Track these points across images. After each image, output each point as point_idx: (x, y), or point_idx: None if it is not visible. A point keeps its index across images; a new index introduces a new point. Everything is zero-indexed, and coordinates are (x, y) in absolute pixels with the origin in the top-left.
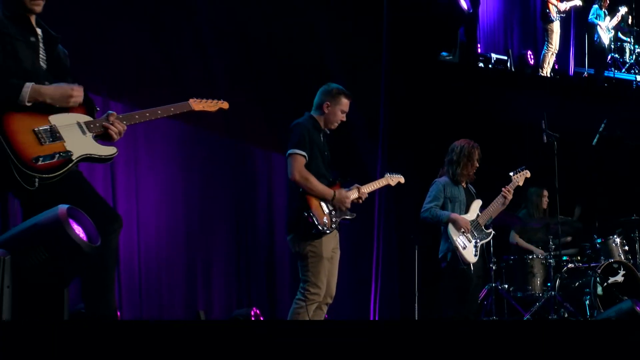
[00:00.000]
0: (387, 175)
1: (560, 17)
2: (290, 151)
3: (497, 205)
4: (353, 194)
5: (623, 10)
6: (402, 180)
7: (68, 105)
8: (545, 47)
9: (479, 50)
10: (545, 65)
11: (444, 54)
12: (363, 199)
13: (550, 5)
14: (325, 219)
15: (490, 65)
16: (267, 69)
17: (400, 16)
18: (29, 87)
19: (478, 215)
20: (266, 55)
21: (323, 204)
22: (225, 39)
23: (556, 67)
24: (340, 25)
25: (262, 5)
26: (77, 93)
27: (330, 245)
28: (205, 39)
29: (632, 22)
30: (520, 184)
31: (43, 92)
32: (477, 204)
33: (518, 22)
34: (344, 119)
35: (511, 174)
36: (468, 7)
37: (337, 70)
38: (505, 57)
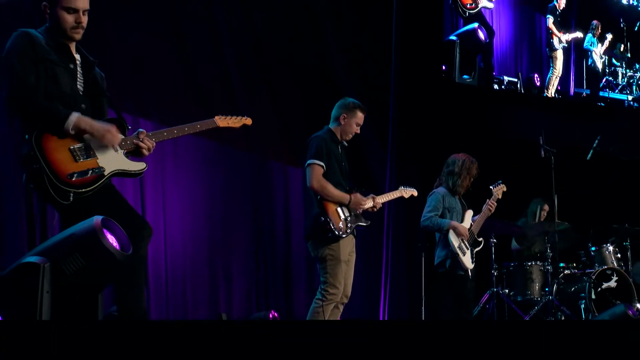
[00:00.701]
0: (402, 188)
1: (563, 46)
2: (309, 161)
3: (483, 217)
4: (368, 203)
5: (609, 37)
6: (415, 193)
7: (102, 142)
8: (550, 72)
9: (494, 73)
10: (550, 87)
11: (465, 77)
12: (377, 208)
13: (554, 36)
14: (341, 224)
15: (503, 86)
16: (283, 87)
17: (408, 36)
18: (75, 117)
19: (472, 224)
20: (282, 75)
21: (339, 210)
22: (245, 59)
23: (559, 88)
24: (353, 43)
25: (280, 27)
26: (115, 138)
27: (347, 249)
28: (227, 60)
29: (623, 50)
30: (499, 196)
31: (84, 126)
32: (469, 213)
33: (526, 50)
34: (358, 132)
35: (491, 187)
36: (485, 38)
37: (349, 87)
38: (516, 80)
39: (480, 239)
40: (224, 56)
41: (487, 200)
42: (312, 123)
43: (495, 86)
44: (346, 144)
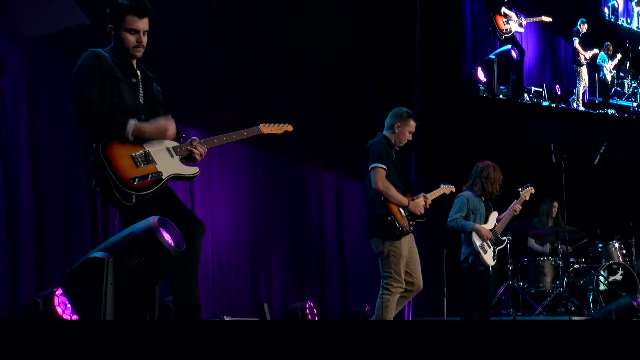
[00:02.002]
0: (442, 185)
1: (588, 61)
2: (373, 165)
3: (508, 217)
4: (421, 201)
5: (619, 55)
6: (454, 189)
7: (164, 138)
8: (578, 84)
9: (524, 85)
10: (579, 97)
11: (502, 87)
12: (428, 205)
13: (580, 55)
14: (404, 223)
15: (530, 95)
16: (317, 100)
17: (429, 55)
18: (132, 124)
19: (495, 225)
20: (317, 88)
21: (401, 210)
22: (283, 73)
23: (586, 99)
24: (380, 60)
25: (315, 45)
26: (171, 128)
27: (407, 245)
28: (266, 73)
29: (629, 66)
30: (527, 198)
31: (143, 129)
32: (494, 215)
33: (549, 66)
34: (410, 139)
35: (519, 189)
36: (517, 57)
37: (376, 100)
38: (541, 90)
39: (504, 238)
40: (264, 70)
41: (514, 201)
42: (343, 132)
43: (526, 95)
44: (398, 149)
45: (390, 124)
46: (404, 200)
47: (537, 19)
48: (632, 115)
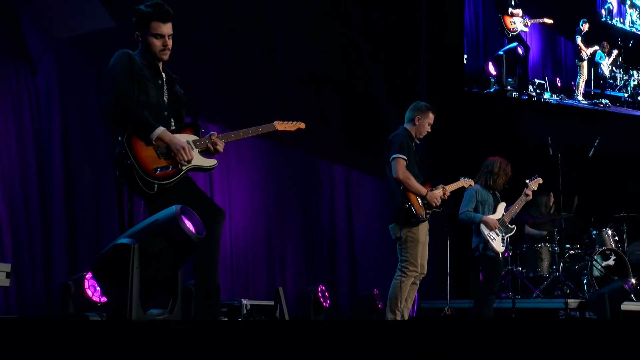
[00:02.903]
0: (462, 179)
1: (589, 57)
2: (394, 155)
3: (518, 207)
4: (439, 192)
5: (615, 52)
6: (473, 183)
7: (175, 156)
8: (579, 77)
9: (529, 78)
10: (580, 89)
11: (510, 79)
12: (446, 196)
13: (582, 51)
14: (421, 211)
15: (534, 86)
16: (329, 99)
17: (434, 59)
18: (159, 131)
19: (503, 215)
20: (328, 86)
21: (419, 199)
22: (298, 73)
23: (592, 92)
24: (387, 63)
25: (327, 48)
26: (187, 156)
27: (424, 232)
28: (282, 73)
29: (620, 61)
30: (535, 188)
31: (165, 139)
32: (501, 205)
33: (550, 61)
34: (429, 130)
35: (527, 180)
36: (522, 53)
37: (384, 98)
38: (543, 82)
39: (513, 226)
40: (279, 69)
41: (524, 191)
42: (352, 127)
43: (530, 86)
44: (418, 142)
45: (411, 117)
46: (422, 189)
47: (540, 20)
48: (624, 105)
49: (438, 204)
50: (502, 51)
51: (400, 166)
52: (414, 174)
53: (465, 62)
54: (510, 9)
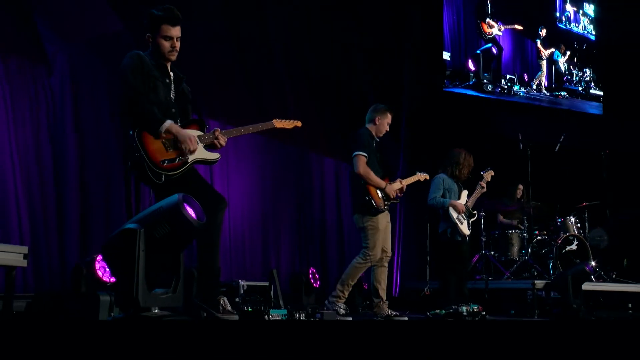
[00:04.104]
0: (418, 173)
1: (547, 58)
2: (356, 152)
3: (477, 194)
4: (397, 185)
5: (568, 53)
6: (428, 177)
7: (181, 148)
8: (539, 73)
9: (502, 72)
10: (536, 81)
11: (486, 74)
12: (404, 189)
13: (541, 52)
14: (380, 202)
15: (505, 80)
16: (322, 95)
17: (416, 66)
18: (167, 123)
19: (467, 201)
20: (321, 85)
21: (379, 191)
22: (295, 74)
23: (545, 83)
24: (375, 69)
25: (320, 46)
26: (192, 146)
27: (384, 221)
28: (281, 73)
29: (576, 60)
30: (488, 179)
31: (174, 132)
32: (464, 193)
33: (519, 59)
34: (388, 129)
35: (482, 172)
36: (496, 52)
37: (371, 99)
38: (513, 77)
39: (475, 212)
40: (277, 68)
41: (479, 182)
42: (342, 123)
43: (502, 80)
44: (379, 140)
45: (371, 118)
46: (381, 183)
47: (512, 26)
48: (579, 97)
49: (394, 195)
50: (480, 51)
51: (360, 162)
52: (374, 169)
53: (449, 60)
54: (487, 17)
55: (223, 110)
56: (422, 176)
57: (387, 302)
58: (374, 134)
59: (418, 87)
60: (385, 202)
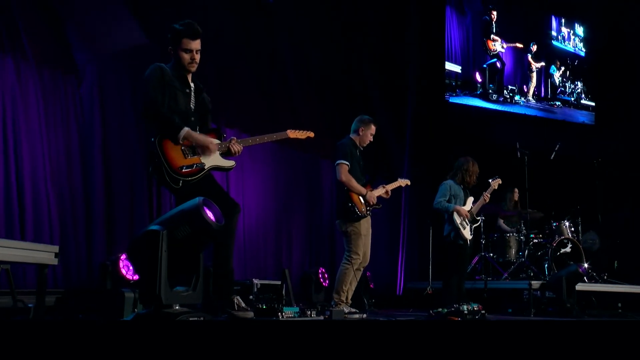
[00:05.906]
0: (399, 179)
1: (538, 70)
2: (338, 161)
3: (481, 202)
4: (379, 191)
5: (562, 68)
6: (409, 183)
7: (203, 153)
8: (530, 83)
9: (504, 84)
10: (529, 91)
11: (491, 85)
12: (389, 194)
13: (532, 65)
14: (362, 208)
15: (507, 90)
16: (331, 102)
17: (422, 77)
18: (185, 131)
19: (471, 207)
20: (330, 92)
21: (361, 198)
22: (305, 84)
23: (535, 92)
24: (384, 77)
25: (330, 61)
26: (213, 146)
27: (365, 226)
28: (292, 85)
29: (568, 74)
30: (495, 187)
31: (192, 138)
32: (470, 199)
33: (520, 73)
34: (372, 140)
35: (490, 180)
36: (500, 66)
37: (379, 104)
38: (514, 87)
39: (479, 218)
40: (288, 79)
41: (484, 193)
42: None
43: (505, 91)
44: (362, 149)
45: (355, 129)
46: (362, 190)
47: (513, 44)
48: (571, 106)
49: (374, 202)
50: (486, 65)
51: (342, 170)
52: (356, 177)
53: (460, 73)
54: (492, 35)
55: (239, 120)
56: (403, 182)
57: (350, 303)
58: (357, 143)
59: (421, 97)
60: (367, 208)
